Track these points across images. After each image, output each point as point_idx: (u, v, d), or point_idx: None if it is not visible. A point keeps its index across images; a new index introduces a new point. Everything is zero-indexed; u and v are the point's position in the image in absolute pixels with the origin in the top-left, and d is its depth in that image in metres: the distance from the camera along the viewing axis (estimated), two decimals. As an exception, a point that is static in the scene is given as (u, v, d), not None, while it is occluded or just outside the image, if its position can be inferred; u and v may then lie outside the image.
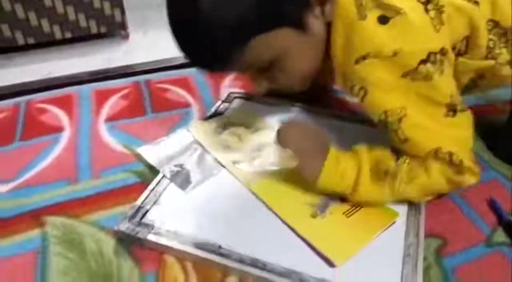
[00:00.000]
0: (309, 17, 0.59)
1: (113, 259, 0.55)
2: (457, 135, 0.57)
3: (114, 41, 1.32)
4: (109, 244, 0.57)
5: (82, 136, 0.78)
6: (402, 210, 0.60)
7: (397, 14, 0.55)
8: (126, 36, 1.34)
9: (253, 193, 0.62)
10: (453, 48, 0.60)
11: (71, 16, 1.21)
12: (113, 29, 1.30)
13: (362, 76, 0.56)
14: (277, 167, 0.65)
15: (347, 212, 0.59)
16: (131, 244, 0.57)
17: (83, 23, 1.24)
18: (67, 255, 0.56)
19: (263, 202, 0.61)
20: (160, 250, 0.55)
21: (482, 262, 0.56)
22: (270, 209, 0.60)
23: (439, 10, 0.57)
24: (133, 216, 0.58)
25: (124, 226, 0.56)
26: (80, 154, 0.73)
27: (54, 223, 0.60)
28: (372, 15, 0.56)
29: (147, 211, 0.59)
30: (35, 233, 0.59)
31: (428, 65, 0.55)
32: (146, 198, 0.61)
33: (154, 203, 0.60)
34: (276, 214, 0.59)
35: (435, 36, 0.57)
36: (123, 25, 1.29)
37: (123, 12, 1.27)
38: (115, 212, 0.61)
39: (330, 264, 0.53)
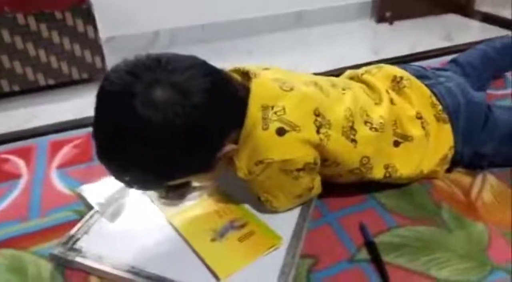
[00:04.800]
0: (215, 160, 0.70)
1: (49, 279, 0.69)
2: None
3: (95, 85, 1.43)
4: (46, 268, 0.71)
5: (36, 182, 0.93)
6: (288, 235, 0.75)
7: (293, 129, 0.69)
8: None
9: (169, 222, 0.77)
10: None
11: (54, 64, 1.34)
12: (94, 75, 1.41)
13: (258, 173, 0.72)
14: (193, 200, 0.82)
15: (241, 238, 0.74)
16: (64, 267, 0.70)
17: (65, 70, 1.36)
18: (12, 279, 0.70)
19: (176, 229, 0.76)
20: (87, 271, 0.69)
21: (343, 274, 0.70)
22: (180, 234, 0.75)
23: (326, 135, 0.72)
24: (65, 243, 0.72)
25: (57, 250, 0.70)
26: (32, 197, 0.88)
27: (4, 254, 0.75)
28: (273, 127, 0.69)
29: (78, 239, 0.73)
30: (-13, 263, 0.73)
31: (301, 172, 0.72)
32: (79, 229, 0.75)
33: (85, 232, 0.74)
34: (184, 238, 0.74)
35: (313, 151, 0.72)
36: (103, 71, 1.39)
37: (103, 59, 1.39)
38: (55, 242, 0.75)
39: (217, 278, 0.67)
